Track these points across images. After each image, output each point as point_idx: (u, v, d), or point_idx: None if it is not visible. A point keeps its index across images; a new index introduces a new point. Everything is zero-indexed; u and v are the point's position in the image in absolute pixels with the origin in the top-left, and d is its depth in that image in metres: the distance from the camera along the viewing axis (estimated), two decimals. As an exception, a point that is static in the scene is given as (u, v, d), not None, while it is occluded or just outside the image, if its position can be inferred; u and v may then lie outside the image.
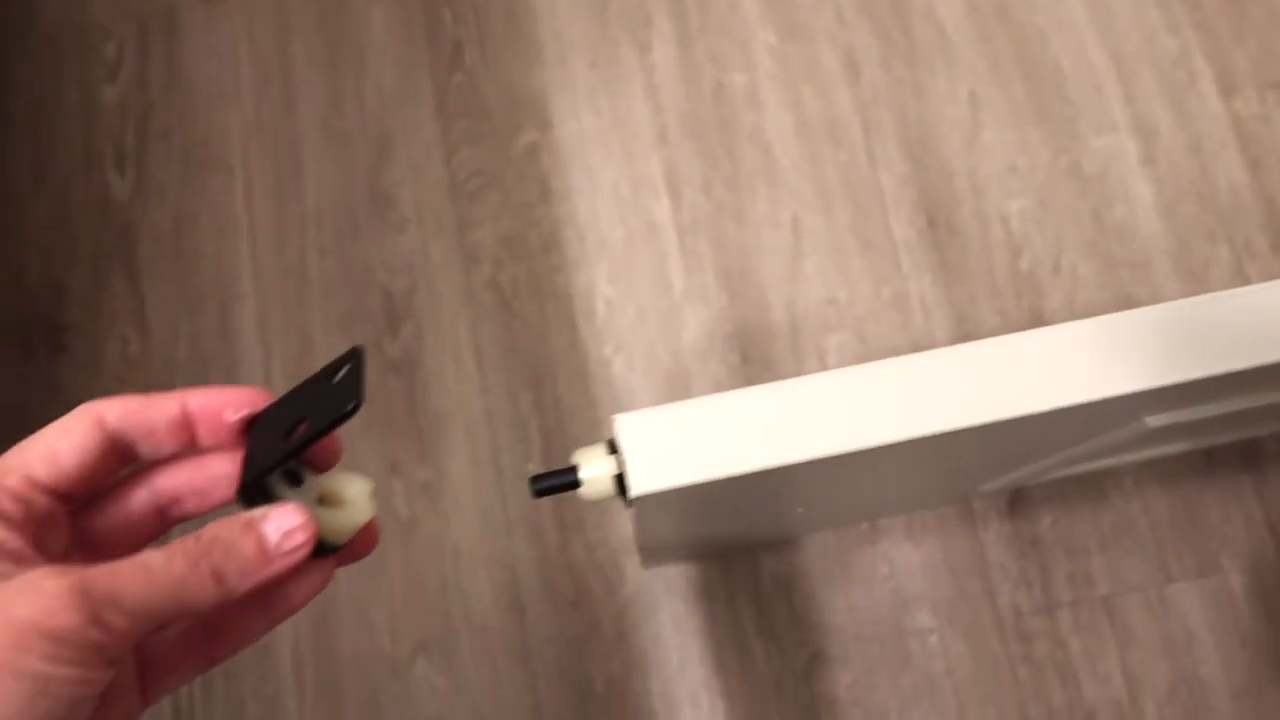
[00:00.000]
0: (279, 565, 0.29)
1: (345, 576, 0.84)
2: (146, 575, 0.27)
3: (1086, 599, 0.84)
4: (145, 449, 0.30)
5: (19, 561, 0.27)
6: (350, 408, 0.29)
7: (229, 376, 0.90)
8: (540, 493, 0.42)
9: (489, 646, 0.84)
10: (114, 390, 0.90)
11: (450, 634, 0.84)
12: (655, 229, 0.94)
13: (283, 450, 0.29)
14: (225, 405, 0.31)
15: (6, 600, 0.25)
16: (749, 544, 0.84)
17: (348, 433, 0.90)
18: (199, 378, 0.90)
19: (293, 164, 0.96)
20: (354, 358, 0.31)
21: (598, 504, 0.86)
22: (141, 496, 0.32)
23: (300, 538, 0.29)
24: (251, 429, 0.31)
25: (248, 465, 0.30)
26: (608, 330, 0.91)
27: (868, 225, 0.93)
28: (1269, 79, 0.98)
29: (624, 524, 0.86)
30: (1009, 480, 0.72)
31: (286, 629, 0.84)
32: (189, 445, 0.31)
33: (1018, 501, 0.86)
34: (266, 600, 0.31)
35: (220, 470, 0.32)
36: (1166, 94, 0.97)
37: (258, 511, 0.29)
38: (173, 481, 0.32)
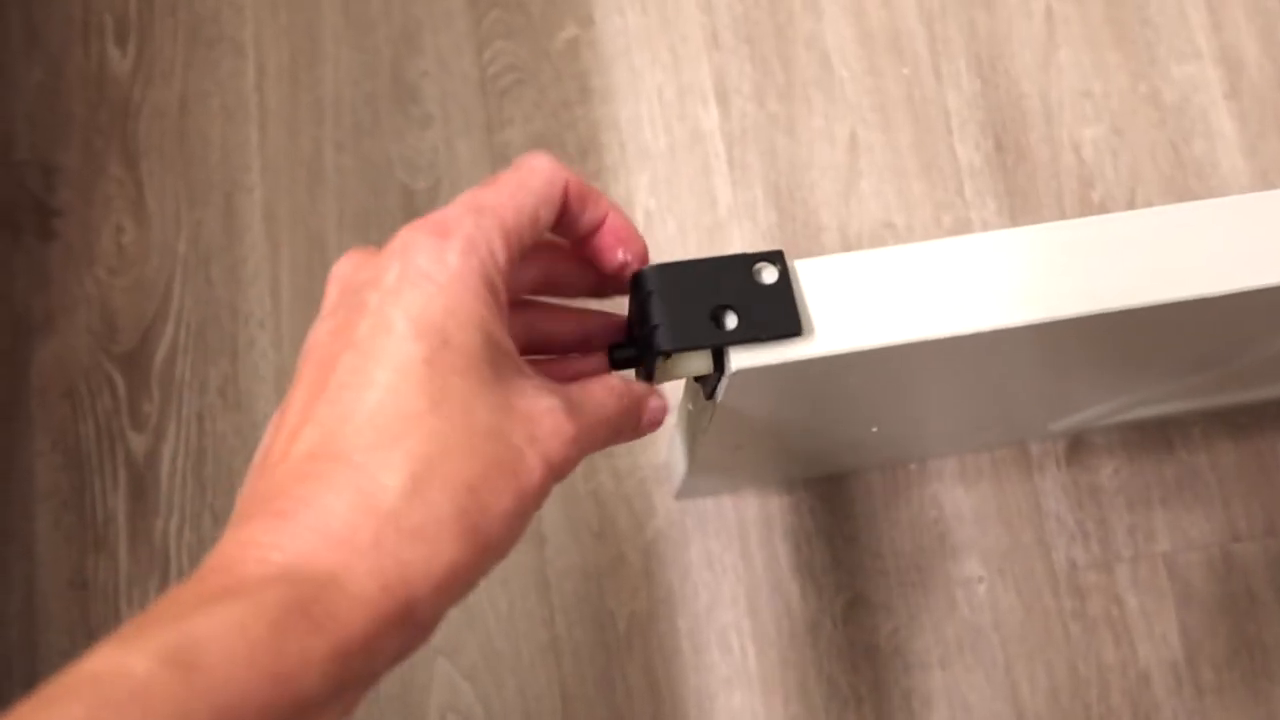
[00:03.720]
0: (650, 429, 0.33)
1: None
2: (602, 410, 0.29)
3: (1146, 554, 0.79)
4: (556, 230, 0.31)
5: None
6: (794, 332, 0.32)
7: (231, 274, 0.83)
8: (617, 364, 0.35)
9: (505, 577, 0.78)
10: (106, 282, 0.83)
11: (463, 560, 0.78)
12: (702, 138, 0.86)
13: (716, 337, 0.32)
14: (629, 241, 0.32)
15: (544, 432, 0.27)
16: (794, 477, 0.78)
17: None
18: (199, 273, 0.83)
19: (310, 48, 0.89)
20: (778, 260, 0.32)
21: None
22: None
23: (661, 417, 0.33)
24: (642, 279, 0.32)
25: (661, 328, 0.31)
26: (649, 245, 0.84)
27: (930, 146, 0.87)
28: (1365, 13, 0.91)
29: (655, 452, 0.80)
30: (1085, 418, 0.67)
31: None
32: (574, 247, 0.33)
33: (1077, 448, 0.80)
34: None
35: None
36: (1255, 23, 0.90)
37: (647, 387, 0.33)
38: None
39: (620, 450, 0.79)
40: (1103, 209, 0.85)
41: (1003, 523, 0.79)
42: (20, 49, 0.88)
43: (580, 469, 0.79)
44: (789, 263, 0.34)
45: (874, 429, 0.56)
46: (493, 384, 0.26)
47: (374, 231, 0.84)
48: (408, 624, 0.24)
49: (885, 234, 0.84)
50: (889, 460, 0.78)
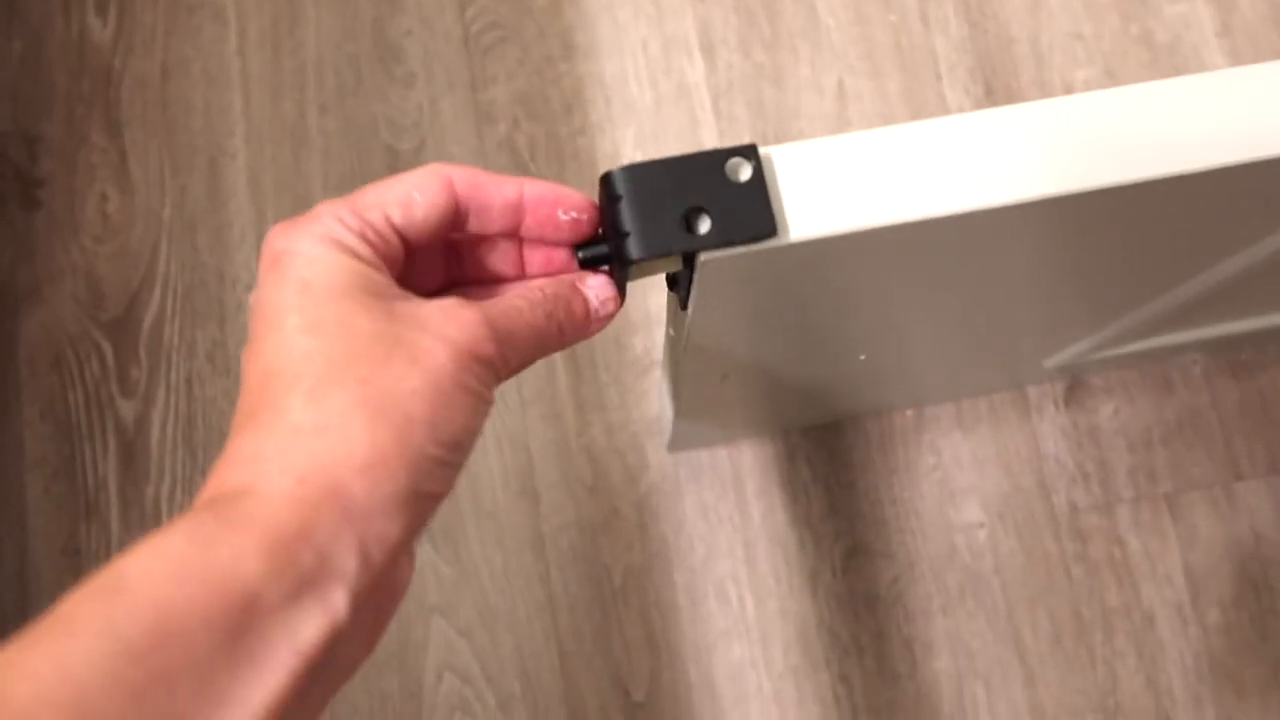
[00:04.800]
0: (595, 328, 0.33)
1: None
2: (520, 318, 0.30)
3: (1148, 495, 0.78)
4: (475, 223, 0.32)
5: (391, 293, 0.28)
6: (768, 233, 0.31)
7: (217, 239, 0.82)
8: (585, 263, 0.34)
9: (499, 534, 0.77)
10: (91, 250, 0.83)
11: (458, 520, 0.77)
12: (687, 91, 0.86)
13: (688, 242, 0.31)
14: (560, 202, 0.32)
15: (437, 322, 0.27)
16: (789, 424, 0.77)
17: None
18: (185, 239, 0.82)
19: (291, 11, 0.88)
20: (753, 156, 0.31)
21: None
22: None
23: (612, 307, 0.33)
24: (610, 182, 0.31)
25: (632, 236, 0.30)
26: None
27: (920, 92, 0.85)
28: (1358, -53, 0.90)
29: (648, 405, 0.79)
30: (1079, 350, 0.65)
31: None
32: (514, 231, 0.33)
33: (1076, 390, 0.79)
34: None
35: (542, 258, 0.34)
36: (1247, -40, 0.89)
37: (578, 276, 0.33)
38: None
39: (612, 404, 0.79)
40: (1096, 150, 0.84)
41: (1002, 467, 0.78)
42: (1, 18, 0.87)
43: (572, 424, 0.78)
44: (764, 153, 0.33)
45: (861, 356, 0.55)
46: (369, 302, 0.27)
47: (359, 193, 0.84)
48: (349, 511, 0.24)
49: (876, 181, 0.83)
50: (884, 405, 0.77)
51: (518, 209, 0.32)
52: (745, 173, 0.32)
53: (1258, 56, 0.86)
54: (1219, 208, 0.40)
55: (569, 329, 0.32)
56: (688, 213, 0.31)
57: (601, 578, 0.76)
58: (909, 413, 0.79)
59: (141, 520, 0.77)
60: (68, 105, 0.85)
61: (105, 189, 0.84)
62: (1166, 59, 0.87)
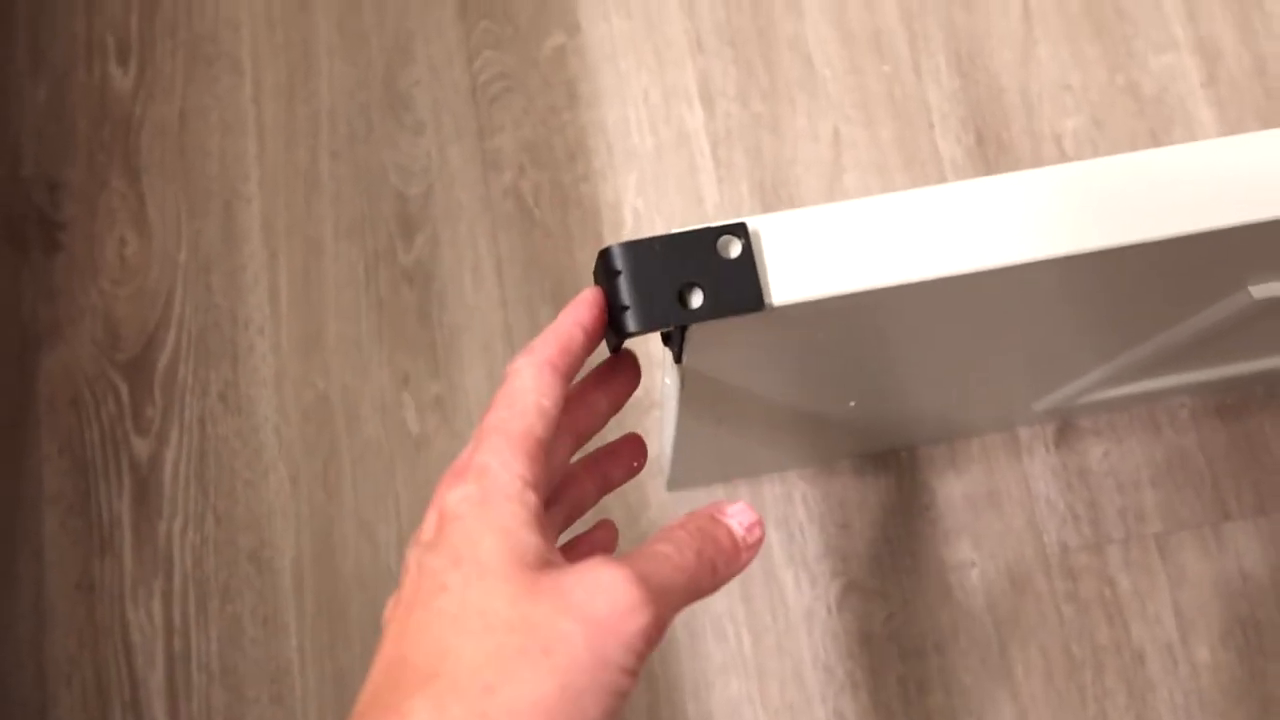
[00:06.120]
0: (746, 557, 0.31)
1: (351, 493, 0.80)
2: (670, 564, 0.28)
3: (1137, 535, 0.79)
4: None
5: (549, 540, 0.29)
6: (756, 307, 0.33)
7: (231, 282, 0.85)
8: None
9: (502, 570, 0.79)
10: (110, 292, 0.85)
11: (461, 555, 0.79)
12: (687, 139, 0.88)
13: (681, 316, 0.33)
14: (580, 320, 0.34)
15: (580, 597, 0.26)
16: (785, 466, 0.79)
17: (356, 339, 0.84)
18: (200, 282, 0.85)
19: (305, 62, 0.91)
20: (743, 233, 0.34)
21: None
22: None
23: (759, 533, 0.32)
24: (610, 258, 0.33)
25: (630, 310, 0.33)
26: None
27: (912, 141, 0.88)
28: (1340, 1, 0.92)
29: (649, 445, 0.81)
30: (1071, 392, 0.67)
31: (288, 546, 0.79)
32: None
33: (1066, 432, 0.81)
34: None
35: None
36: (1231, 11, 0.92)
37: (716, 508, 0.32)
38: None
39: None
40: (1085, 198, 0.86)
41: (994, 507, 0.80)
42: (26, 69, 0.91)
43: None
44: (753, 227, 0.35)
45: (851, 403, 0.57)
46: (516, 577, 0.27)
47: (369, 237, 0.86)
48: None
49: (870, 227, 0.85)
50: (877, 447, 0.79)
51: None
52: (735, 249, 0.34)
53: (1242, 106, 0.89)
54: (1195, 266, 0.42)
55: (722, 566, 0.30)
56: (682, 287, 0.33)
57: (602, 614, 0.78)
58: (903, 454, 0.81)
59: (154, 557, 0.79)
60: (89, 151, 0.88)
61: (124, 233, 0.87)
62: (1153, 109, 0.89)
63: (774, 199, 0.86)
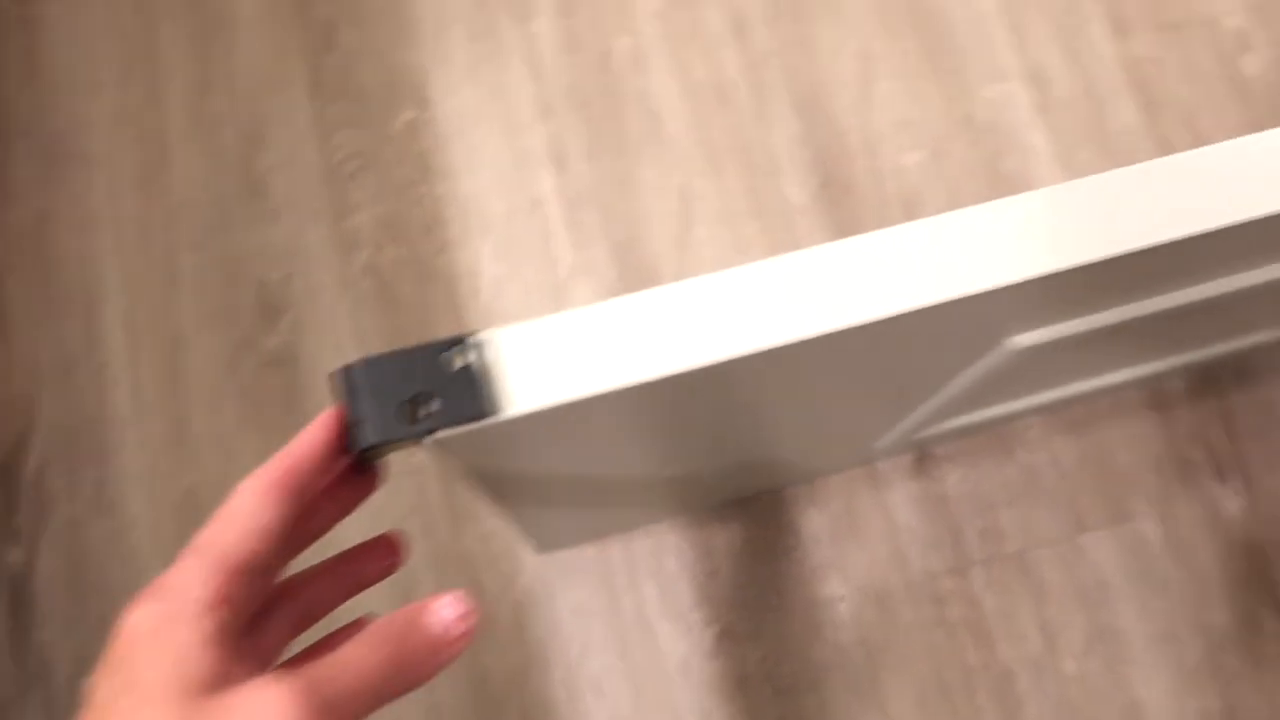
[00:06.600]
0: (454, 650, 0.31)
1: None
2: (351, 671, 0.29)
3: (999, 556, 0.82)
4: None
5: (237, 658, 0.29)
6: (480, 415, 0.35)
7: (96, 379, 0.85)
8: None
9: (384, 646, 0.80)
10: (-26, 402, 0.85)
11: (342, 635, 0.80)
12: (540, 203, 0.90)
13: (410, 431, 0.35)
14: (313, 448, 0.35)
15: (243, 715, 0.27)
16: (641, 522, 0.81)
17: (223, 428, 0.85)
18: (63, 384, 0.85)
19: (159, 155, 0.92)
20: (469, 346, 0.36)
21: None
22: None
23: (464, 626, 0.31)
24: (347, 376, 0.35)
25: (362, 424, 0.35)
26: (494, 310, 0.87)
27: (760, 189, 0.91)
28: (1159, 20, 0.96)
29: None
30: (901, 433, 0.70)
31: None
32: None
33: (923, 460, 0.84)
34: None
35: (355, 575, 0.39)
36: (1058, 39, 0.96)
37: (423, 606, 0.31)
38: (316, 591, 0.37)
39: (484, 513, 0.82)
40: (928, 230, 0.89)
41: (858, 540, 0.82)
42: (-126, 186, 0.91)
43: (446, 535, 0.82)
44: (485, 337, 0.37)
45: (687, 465, 0.59)
46: (182, 704, 0.27)
47: (231, 326, 0.87)
48: None
49: (723, 276, 0.88)
50: (742, 493, 0.81)
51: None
52: (464, 359, 0.36)
53: (1074, 128, 0.92)
54: (949, 330, 0.44)
55: (419, 665, 0.30)
56: (413, 399, 0.35)
57: (483, 680, 0.79)
58: (766, 497, 0.83)
59: (35, 665, 0.79)
60: (-56, 263, 0.89)
61: (-16, 341, 0.87)
62: (989, 138, 0.92)
63: (628, 256, 0.88)
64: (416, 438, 0.35)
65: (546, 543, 0.77)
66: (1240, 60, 0.95)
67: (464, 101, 0.93)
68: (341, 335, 0.87)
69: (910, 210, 0.90)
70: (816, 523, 0.82)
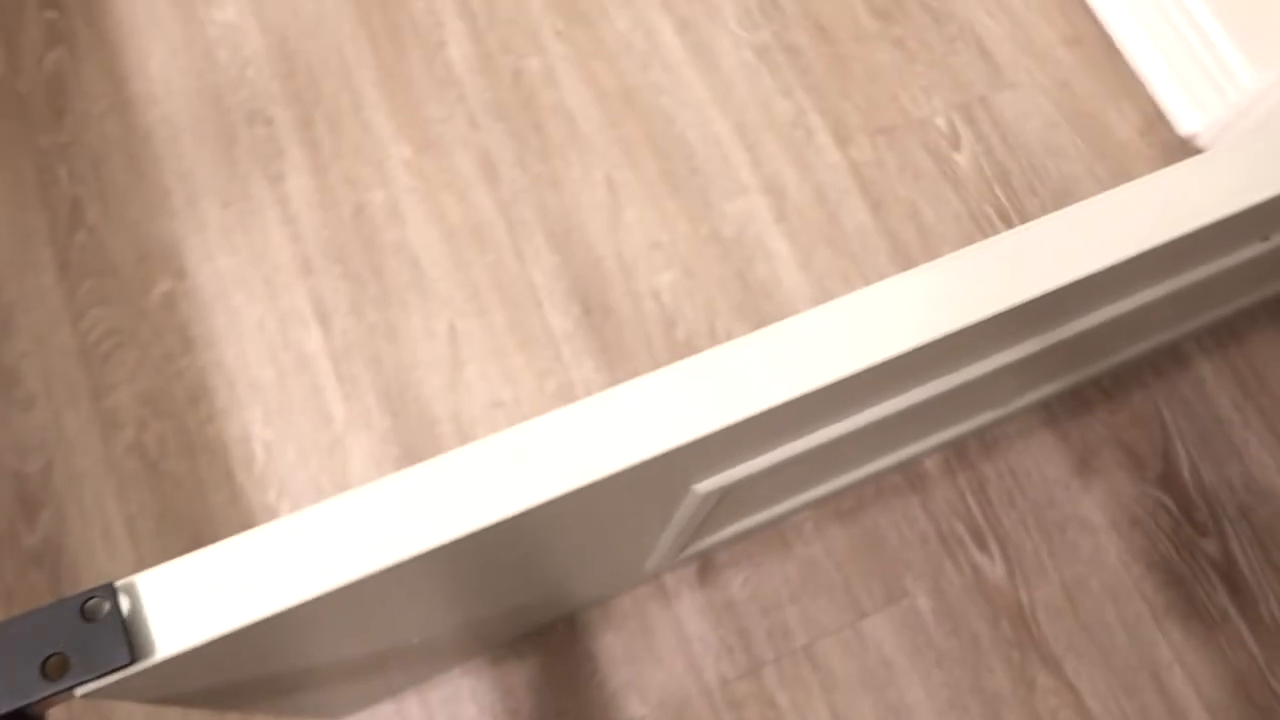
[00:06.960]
0: None
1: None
2: None
3: (787, 652, 0.85)
4: None
5: None
6: (124, 664, 0.34)
7: None
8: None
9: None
10: None
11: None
12: (307, 361, 0.91)
13: (53, 689, 0.33)
14: None
15: None
16: (442, 666, 0.80)
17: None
18: None
19: (-105, 357, 0.88)
20: (109, 595, 0.35)
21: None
22: None
23: None
24: None
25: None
26: (269, 475, 0.86)
27: (524, 322, 0.93)
28: (877, 126, 1.05)
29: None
30: (662, 556, 0.72)
31: None
32: None
33: (706, 569, 0.87)
34: None
35: None
36: (788, 152, 1.03)
37: None
38: None
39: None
40: (689, 344, 0.94)
41: (653, 657, 0.84)
42: None
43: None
44: (125, 584, 0.37)
45: (415, 640, 0.60)
46: None
47: (-12, 526, 0.83)
48: None
49: (496, 413, 0.90)
50: (532, 626, 0.82)
51: None
52: (104, 609, 0.35)
53: (810, 232, 0.99)
54: (634, 491, 0.47)
55: None
56: (49, 659, 0.34)
57: None
58: (560, 625, 0.84)
59: None
60: None
61: None
62: (736, 251, 0.98)
63: (401, 404, 0.89)
64: (61, 695, 0.35)
65: (334, 711, 0.76)
66: (953, 155, 1.05)
67: (221, 267, 0.93)
68: (109, 519, 0.84)
69: (670, 328, 0.94)
70: (612, 644, 0.84)
